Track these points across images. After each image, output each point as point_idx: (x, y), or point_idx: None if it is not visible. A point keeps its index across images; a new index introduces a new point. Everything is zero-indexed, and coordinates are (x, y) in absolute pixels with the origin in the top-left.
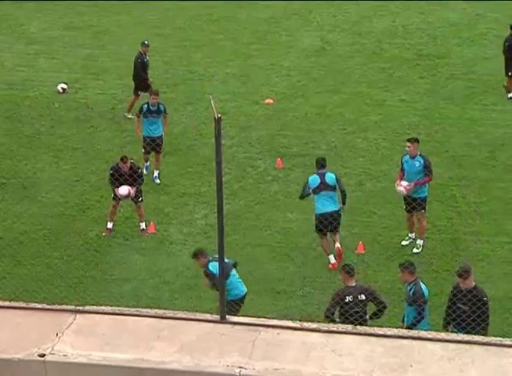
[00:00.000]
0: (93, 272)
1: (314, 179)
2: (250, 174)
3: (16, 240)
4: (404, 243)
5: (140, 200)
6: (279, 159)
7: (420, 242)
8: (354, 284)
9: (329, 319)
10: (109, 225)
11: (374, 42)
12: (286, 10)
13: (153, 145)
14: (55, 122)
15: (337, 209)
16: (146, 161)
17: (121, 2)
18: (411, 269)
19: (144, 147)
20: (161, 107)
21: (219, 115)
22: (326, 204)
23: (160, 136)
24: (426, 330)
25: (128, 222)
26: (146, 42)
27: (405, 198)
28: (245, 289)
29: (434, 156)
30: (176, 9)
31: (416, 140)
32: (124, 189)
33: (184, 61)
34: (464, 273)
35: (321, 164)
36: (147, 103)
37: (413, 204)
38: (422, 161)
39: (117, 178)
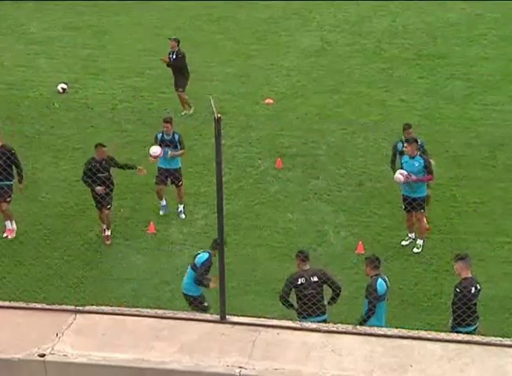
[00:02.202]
0: (93, 272)
1: None
2: (250, 174)
3: (16, 240)
4: (404, 243)
5: (109, 207)
6: (279, 159)
7: (420, 242)
8: (307, 268)
9: (284, 303)
10: (108, 232)
11: (374, 42)
12: (285, 10)
13: (170, 178)
14: (55, 122)
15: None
16: (161, 198)
17: (121, 2)
18: (373, 265)
19: (156, 177)
20: (176, 137)
21: (219, 115)
22: None
23: (179, 169)
24: (379, 326)
25: (128, 222)
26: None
27: (404, 198)
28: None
29: (434, 156)
30: (176, 9)
31: (415, 141)
32: (154, 150)
33: None
34: (456, 257)
35: None
36: (162, 132)
37: (413, 204)
38: (422, 161)
39: (91, 168)
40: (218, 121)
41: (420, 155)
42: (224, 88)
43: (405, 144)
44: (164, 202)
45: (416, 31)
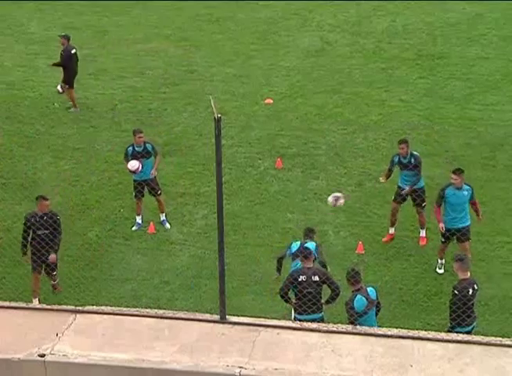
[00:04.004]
0: (93, 272)
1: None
2: (250, 174)
3: (16, 240)
4: (439, 271)
5: (54, 273)
6: (279, 159)
7: (441, 261)
8: (310, 266)
9: (283, 298)
10: (35, 301)
11: (374, 42)
12: (285, 10)
13: (147, 188)
14: (55, 122)
15: None
16: (138, 214)
17: (121, 2)
18: (353, 280)
19: (137, 190)
20: (148, 147)
21: (219, 115)
22: None
23: (154, 178)
24: None
25: (128, 223)
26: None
27: (447, 231)
28: None
29: (434, 156)
30: (176, 9)
31: (462, 171)
32: (132, 164)
33: (184, 61)
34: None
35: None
36: (132, 146)
37: (457, 234)
38: (470, 189)
39: (30, 226)
40: (218, 120)
41: (466, 183)
42: (224, 88)
43: (453, 175)
44: (139, 219)
45: (416, 31)
